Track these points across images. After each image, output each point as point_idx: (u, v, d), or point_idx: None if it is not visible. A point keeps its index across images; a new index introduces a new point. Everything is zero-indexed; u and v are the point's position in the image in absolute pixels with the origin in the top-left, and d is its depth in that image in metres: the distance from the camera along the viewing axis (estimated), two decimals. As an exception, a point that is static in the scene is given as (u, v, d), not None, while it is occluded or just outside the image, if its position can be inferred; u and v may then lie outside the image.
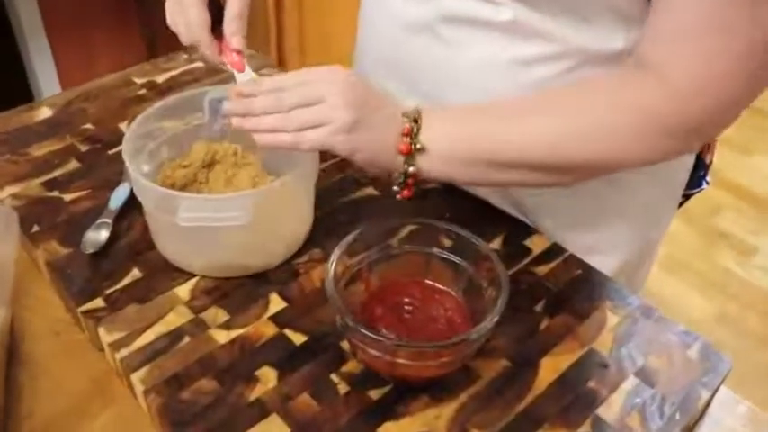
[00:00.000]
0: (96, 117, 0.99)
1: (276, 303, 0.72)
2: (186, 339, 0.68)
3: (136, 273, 0.75)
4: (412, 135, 0.67)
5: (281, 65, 2.36)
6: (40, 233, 0.79)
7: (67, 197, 0.84)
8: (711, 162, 0.94)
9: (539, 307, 0.73)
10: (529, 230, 0.82)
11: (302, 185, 0.75)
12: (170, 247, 0.75)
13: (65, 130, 0.96)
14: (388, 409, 0.63)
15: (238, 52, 0.73)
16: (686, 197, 0.95)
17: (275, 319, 0.70)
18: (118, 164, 0.86)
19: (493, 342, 0.68)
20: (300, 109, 0.65)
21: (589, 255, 0.81)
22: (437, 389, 0.64)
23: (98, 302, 0.71)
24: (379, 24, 0.85)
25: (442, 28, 0.76)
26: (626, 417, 0.63)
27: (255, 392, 0.63)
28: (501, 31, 0.73)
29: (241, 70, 0.73)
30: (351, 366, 0.66)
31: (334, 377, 0.65)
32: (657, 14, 0.64)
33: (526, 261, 0.78)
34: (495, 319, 0.60)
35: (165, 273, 0.75)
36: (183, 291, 0.73)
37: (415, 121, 0.68)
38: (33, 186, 0.86)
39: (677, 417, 0.63)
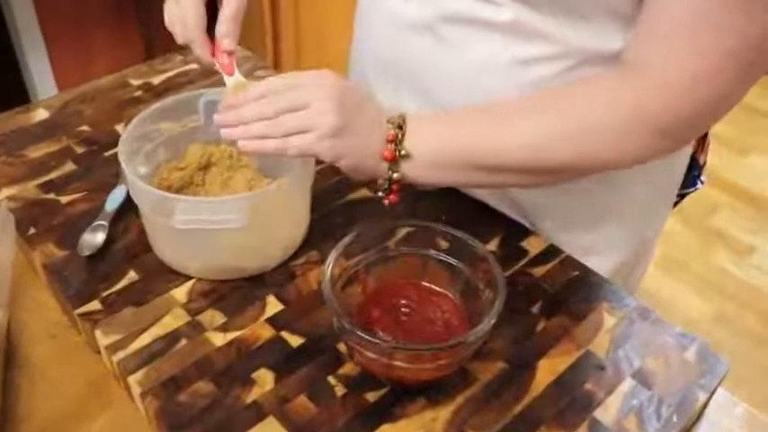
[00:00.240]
0: (92, 119, 0.98)
1: (273, 306, 0.72)
2: (183, 342, 0.68)
3: (132, 275, 0.74)
4: (396, 141, 0.67)
5: (277, 66, 2.36)
6: (37, 235, 0.79)
7: (64, 199, 0.84)
8: (705, 162, 0.94)
9: (535, 309, 0.73)
10: (525, 232, 0.82)
11: (298, 188, 0.75)
12: (166, 249, 0.75)
13: (61, 132, 0.96)
14: (384, 412, 0.63)
15: (229, 54, 0.73)
16: (681, 197, 0.96)
17: (272, 321, 0.70)
18: (114, 166, 0.86)
19: (489, 344, 0.68)
20: (287, 114, 0.65)
21: (586, 255, 0.81)
22: (434, 391, 0.64)
23: (95, 305, 0.71)
24: (377, 24, 0.85)
25: (442, 28, 0.76)
26: (623, 419, 0.63)
27: (252, 395, 0.63)
28: (501, 32, 0.73)
29: (231, 73, 0.73)
30: (348, 369, 0.66)
31: (331, 379, 0.65)
32: (648, 12, 0.64)
33: (523, 262, 0.78)
34: (493, 321, 0.60)
35: (162, 275, 0.75)
36: (180, 293, 0.73)
37: (400, 127, 0.68)
38: (30, 188, 0.86)
39: (674, 419, 0.64)
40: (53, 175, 0.88)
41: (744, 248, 2.30)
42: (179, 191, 0.79)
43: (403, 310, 0.67)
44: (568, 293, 0.75)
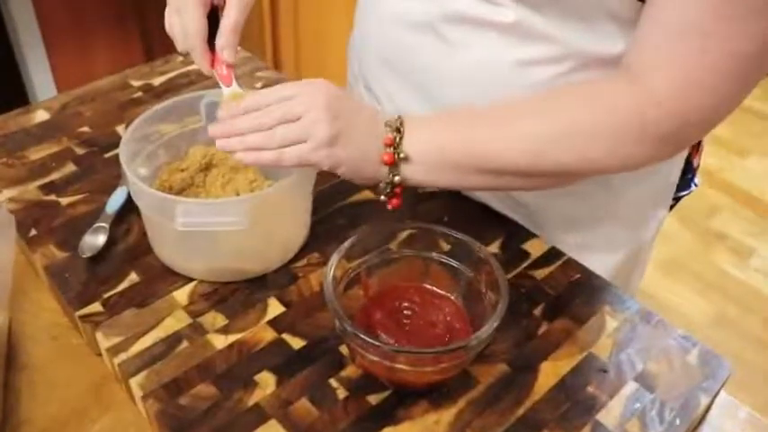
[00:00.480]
0: (93, 120, 0.98)
1: (275, 308, 0.72)
2: (184, 344, 0.68)
3: (133, 277, 0.74)
4: (395, 145, 0.67)
5: (277, 66, 2.36)
6: (38, 237, 0.79)
7: (65, 201, 0.84)
8: (699, 165, 0.95)
9: (537, 311, 0.73)
10: (527, 234, 0.82)
11: (300, 189, 0.74)
12: (167, 251, 0.75)
13: (61, 133, 0.96)
14: (387, 415, 0.63)
15: (228, 66, 0.73)
16: (676, 199, 0.96)
17: (274, 323, 0.70)
18: (115, 167, 0.86)
19: (492, 347, 0.68)
20: (282, 126, 0.66)
21: (586, 257, 0.81)
22: (436, 394, 0.64)
23: (96, 307, 0.71)
24: (378, 24, 0.84)
25: (444, 28, 0.76)
26: (626, 422, 0.63)
27: (254, 398, 0.63)
28: (503, 33, 0.73)
29: (228, 85, 0.73)
30: (350, 371, 0.66)
31: (333, 382, 0.65)
32: (648, 17, 0.64)
33: (525, 265, 0.78)
34: (496, 324, 0.60)
35: (163, 277, 0.74)
36: (181, 295, 0.73)
37: (398, 130, 0.68)
38: (30, 190, 0.86)
39: (677, 422, 0.63)
40: (54, 177, 0.88)
41: (744, 250, 2.30)
42: (180, 192, 0.79)
43: (405, 312, 0.67)
44: (570, 296, 0.75)
